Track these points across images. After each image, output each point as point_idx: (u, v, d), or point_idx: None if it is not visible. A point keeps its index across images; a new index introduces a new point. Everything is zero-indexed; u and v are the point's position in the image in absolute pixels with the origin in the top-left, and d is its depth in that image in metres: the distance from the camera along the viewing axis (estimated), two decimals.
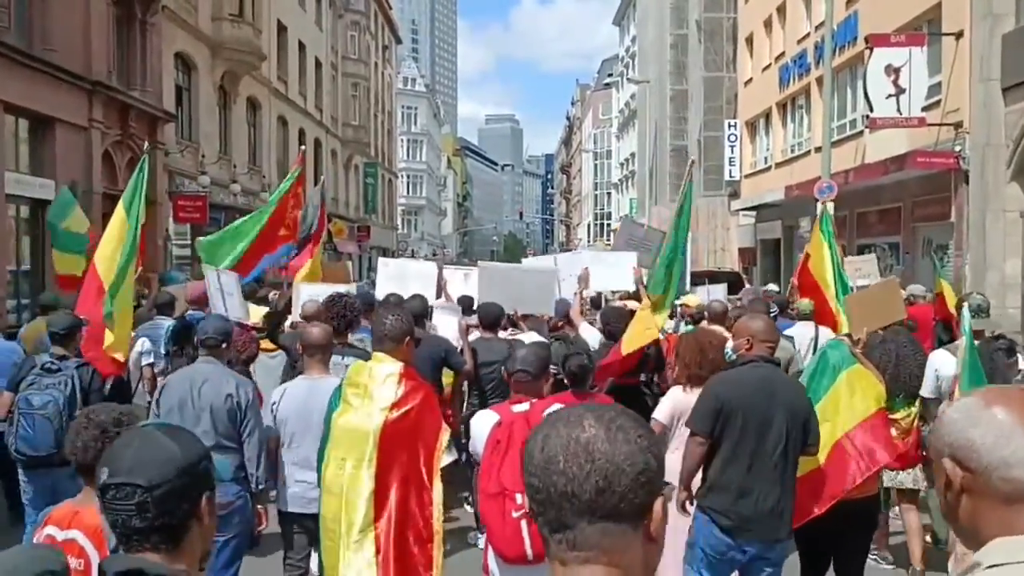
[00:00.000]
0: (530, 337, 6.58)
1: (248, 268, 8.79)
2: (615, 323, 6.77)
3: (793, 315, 9.18)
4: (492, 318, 7.06)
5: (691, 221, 7.09)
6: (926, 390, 5.89)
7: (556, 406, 3.82)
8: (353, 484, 3.73)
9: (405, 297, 7.58)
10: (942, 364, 5.82)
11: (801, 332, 7.90)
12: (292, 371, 6.24)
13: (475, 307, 8.26)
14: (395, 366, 3.90)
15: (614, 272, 9.33)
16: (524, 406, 3.74)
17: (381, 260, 9.84)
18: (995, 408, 1.37)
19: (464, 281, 9.70)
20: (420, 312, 7.01)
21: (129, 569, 1.63)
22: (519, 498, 3.34)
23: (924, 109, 16.08)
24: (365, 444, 3.73)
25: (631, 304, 8.82)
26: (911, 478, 6.04)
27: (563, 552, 1.23)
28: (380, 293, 8.37)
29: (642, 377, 6.66)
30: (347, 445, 3.79)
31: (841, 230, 19.05)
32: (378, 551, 3.71)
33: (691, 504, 4.36)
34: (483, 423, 3.87)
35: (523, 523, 3.39)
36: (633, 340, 6.14)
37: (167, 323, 7.90)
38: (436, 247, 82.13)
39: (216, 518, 1.86)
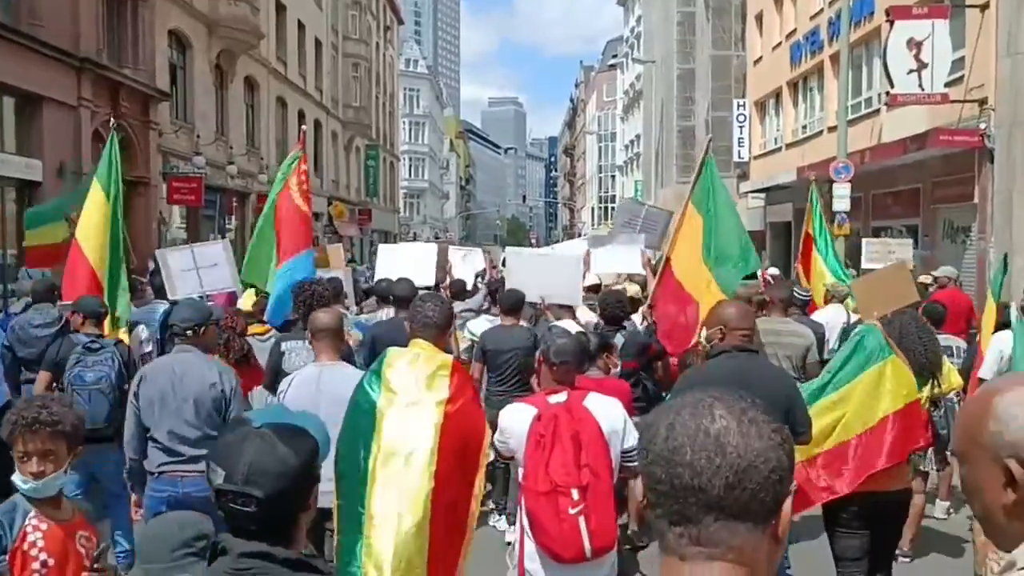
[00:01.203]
0: (570, 325, 6.27)
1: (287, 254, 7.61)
2: (613, 308, 6.64)
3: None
4: (511, 303, 6.81)
5: (713, 194, 6.40)
6: (987, 372, 5.62)
7: (593, 396, 3.38)
8: (410, 478, 3.46)
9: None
10: (1007, 344, 5.58)
11: (832, 317, 7.42)
12: None
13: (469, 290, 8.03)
14: (446, 357, 3.65)
15: (620, 254, 8.97)
16: (561, 396, 3.65)
17: (382, 246, 9.49)
18: None
19: (462, 262, 9.42)
20: (409, 296, 6.71)
21: (259, 552, 1.69)
22: (575, 494, 3.33)
23: (947, 85, 15.43)
24: (426, 438, 3.48)
25: (632, 288, 8.63)
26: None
27: (684, 547, 1.17)
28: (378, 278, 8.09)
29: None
30: (403, 437, 3.50)
31: (856, 212, 18.50)
32: (431, 546, 3.49)
33: None
34: (517, 417, 3.69)
35: (581, 520, 3.34)
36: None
37: (163, 307, 7.69)
38: (439, 230, 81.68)
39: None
